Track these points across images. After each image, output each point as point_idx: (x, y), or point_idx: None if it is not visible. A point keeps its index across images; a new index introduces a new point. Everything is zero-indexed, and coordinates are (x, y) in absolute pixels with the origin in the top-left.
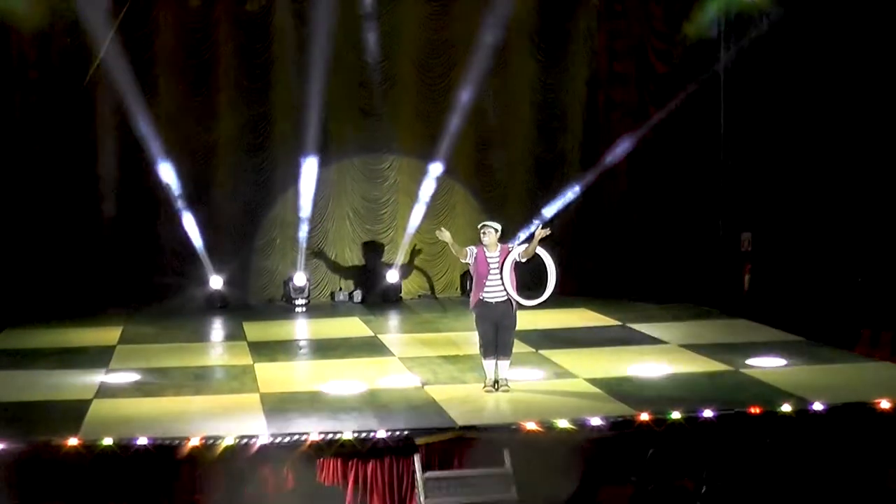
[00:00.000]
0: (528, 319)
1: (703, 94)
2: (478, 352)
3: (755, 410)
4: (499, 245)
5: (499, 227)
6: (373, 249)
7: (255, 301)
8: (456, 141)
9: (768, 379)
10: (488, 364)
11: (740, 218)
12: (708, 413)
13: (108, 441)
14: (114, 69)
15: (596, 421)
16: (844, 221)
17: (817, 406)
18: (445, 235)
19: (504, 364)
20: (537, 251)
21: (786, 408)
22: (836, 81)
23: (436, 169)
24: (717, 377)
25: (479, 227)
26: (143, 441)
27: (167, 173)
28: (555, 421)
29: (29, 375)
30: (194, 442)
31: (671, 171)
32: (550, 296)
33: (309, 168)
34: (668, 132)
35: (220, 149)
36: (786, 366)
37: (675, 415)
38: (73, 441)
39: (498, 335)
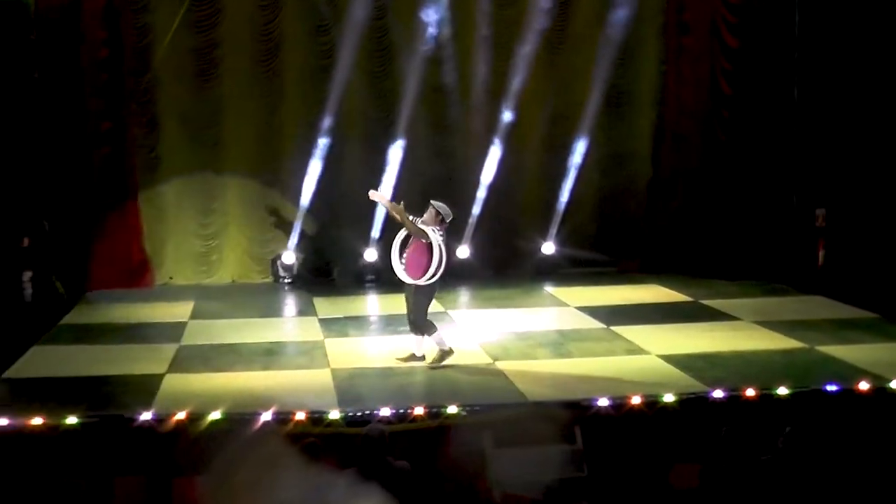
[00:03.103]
0: (599, 296)
1: (777, 67)
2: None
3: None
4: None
5: (437, 205)
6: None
7: (324, 277)
8: (524, 118)
9: (844, 356)
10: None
11: (815, 193)
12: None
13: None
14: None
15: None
16: None
17: None
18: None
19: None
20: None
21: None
22: None
23: (503, 145)
24: (791, 354)
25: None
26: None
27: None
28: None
29: (102, 350)
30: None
31: (744, 146)
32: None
33: (378, 147)
34: (741, 107)
35: (286, 127)
36: (862, 343)
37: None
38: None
39: None
